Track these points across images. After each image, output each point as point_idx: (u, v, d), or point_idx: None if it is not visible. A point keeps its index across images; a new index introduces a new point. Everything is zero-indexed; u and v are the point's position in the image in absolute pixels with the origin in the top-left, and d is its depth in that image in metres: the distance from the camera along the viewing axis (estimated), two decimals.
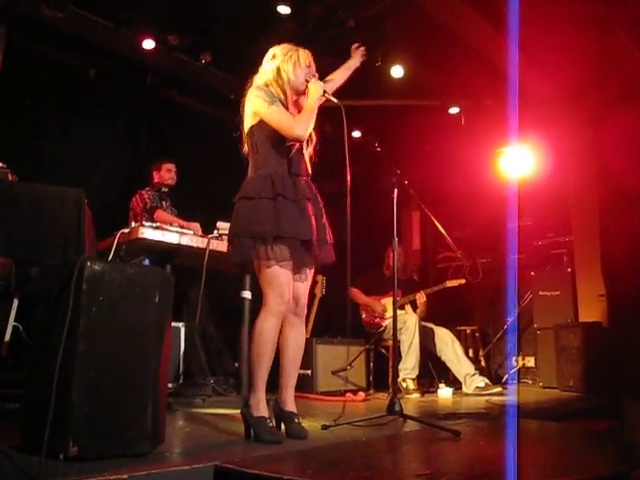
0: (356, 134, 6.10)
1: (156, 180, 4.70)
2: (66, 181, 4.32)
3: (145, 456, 1.85)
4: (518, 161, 6.15)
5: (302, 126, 2.46)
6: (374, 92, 5.69)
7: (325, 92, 2.58)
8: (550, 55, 5.16)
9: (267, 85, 2.57)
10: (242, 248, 2.42)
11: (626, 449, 2.36)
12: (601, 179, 5.60)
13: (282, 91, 2.56)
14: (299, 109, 2.63)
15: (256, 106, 2.50)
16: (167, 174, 4.69)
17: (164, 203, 4.69)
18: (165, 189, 4.70)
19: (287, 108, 2.55)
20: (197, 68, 5.23)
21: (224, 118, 5.70)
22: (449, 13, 4.59)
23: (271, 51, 2.66)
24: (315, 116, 2.54)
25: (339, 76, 2.94)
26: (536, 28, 4.61)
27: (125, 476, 1.59)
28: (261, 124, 2.51)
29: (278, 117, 2.47)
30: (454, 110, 6.15)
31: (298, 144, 2.55)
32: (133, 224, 3.63)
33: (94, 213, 3.03)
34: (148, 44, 4.83)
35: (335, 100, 2.61)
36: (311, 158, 2.68)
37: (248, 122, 2.56)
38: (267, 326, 2.38)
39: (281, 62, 2.59)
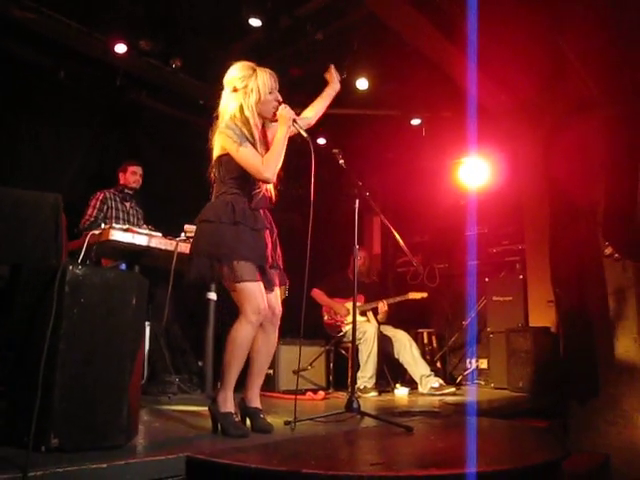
0: (321, 141, 6.27)
1: (121, 182, 4.77)
2: (34, 182, 4.42)
3: (121, 448, 1.98)
4: (475, 171, 6.42)
5: (271, 169, 2.54)
6: (340, 101, 5.86)
7: (295, 121, 2.62)
8: (506, 71, 5.43)
9: (233, 120, 2.59)
10: (199, 268, 2.53)
11: (560, 443, 2.60)
12: (552, 191, 5.89)
13: (248, 129, 2.58)
14: (267, 137, 2.70)
15: (226, 144, 2.57)
16: (132, 177, 4.76)
17: (127, 204, 4.77)
18: (129, 191, 4.77)
19: (255, 143, 2.59)
20: (167, 73, 5.32)
21: (193, 122, 5.86)
22: (412, 31, 4.79)
23: (229, 78, 2.67)
24: (284, 148, 2.60)
25: (320, 105, 2.95)
26: (493, 46, 4.86)
27: (104, 466, 1.74)
28: (229, 157, 2.57)
29: (246, 159, 2.53)
30: (416, 121, 6.40)
31: None
32: (103, 225, 3.74)
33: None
34: (120, 48, 4.89)
35: (304, 134, 2.64)
36: (275, 186, 2.73)
37: (217, 152, 2.63)
38: (243, 333, 2.49)
39: (243, 98, 2.61)
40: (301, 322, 2.83)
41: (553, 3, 4.68)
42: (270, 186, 2.71)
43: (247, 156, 2.54)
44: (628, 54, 4.91)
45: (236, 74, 2.65)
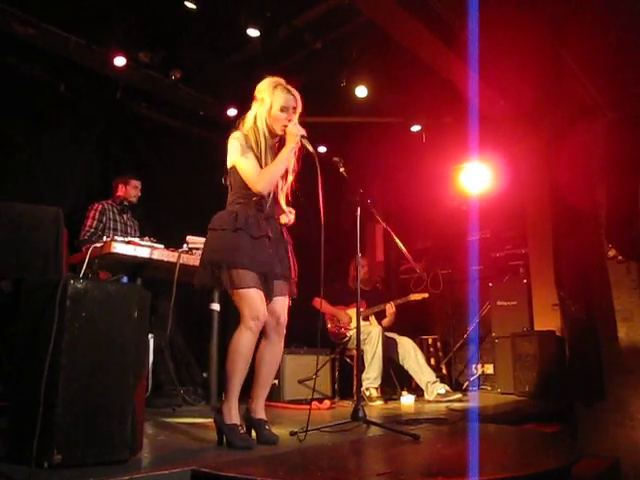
0: (322, 149, 6.27)
1: (119, 193, 4.76)
2: (37, 196, 4.42)
3: (125, 463, 1.96)
4: (477, 177, 6.41)
5: (264, 182, 2.58)
6: (340, 109, 5.90)
7: (303, 137, 2.64)
8: (506, 77, 5.44)
9: (244, 128, 2.70)
10: (202, 276, 2.60)
11: (569, 448, 2.58)
12: (554, 195, 5.88)
13: (256, 141, 2.65)
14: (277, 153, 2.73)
15: (231, 154, 2.66)
16: (133, 191, 4.77)
17: (124, 216, 4.77)
18: (127, 203, 4.78)
19: (261, 156, 2.63)
20: (167, 84, 5.34)
21: (193, 133, 5.87)
22: (412, 38, 4.79)
23: (257, 89, 2.74)
24: (287, 164, 2.65)
25: None
26: (494, 52, 4.87)
27: None
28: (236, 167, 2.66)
29: (245, 170, 2.61)
30: (416, 128, 6.41)
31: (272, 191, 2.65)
32: (105, 238, 3.73)
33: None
34: (119, 61, 4.92)
35: (311, 148, 2.65)
36: (292, 189, 2.77)
37: (229, 162, 2.69)
38: (243, 341, 2.49)
39: (258, 108, 2.70)
40: (317, 332, 2.83)
41: (552, 9, 4.69)
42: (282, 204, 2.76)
43: (245, 167, 2.61)
44: (628, 57, 4.90)
45: (260, 86, 2.74)
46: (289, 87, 2.72)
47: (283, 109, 2.66)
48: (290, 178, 2.77)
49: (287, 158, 2.64)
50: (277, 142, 2.73)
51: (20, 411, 1.95)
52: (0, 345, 3.48)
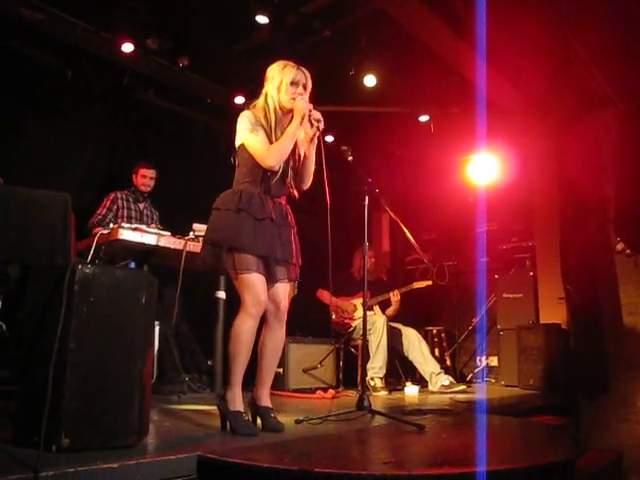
0: (329, 138, 6.23)
1: (134, 182, 4.80)
2: (43, 181, 4.41)
3: (132, 448, 1.97)
4: (485, 168, 6.37)
5: (274, 156, 2.59)
6: (347, 98, 5.86)
7: (310, 112, 2.63)
8: (516, 66, 5.39)
9: (254, 106, 2.71)
10: (205, 256, 2.61)
11: (574, 440, 2.57)
12: (562, 187, 5.84)
13: (266, 117, 2.66)
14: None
15: (240, 131, 2.66)
16: (141, 179, 4.77)
17: (140, 205, 4.78)
18: (140, 193, 4.80)
19: (271, 133, 2.63)
20: (174, 71, 5.33)
21: (201, 120, 5.86)
22: (420, 26, 4.76)
23: (268, 70, 2.75)
24: (294, 139, 2.64)
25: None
26: (502, 41, 4.82)
27: (116, 465, 1.72)
28: (244, 146, 2.65)
29: (253, 146, 2.61)
30: (424, 118, 6.36)
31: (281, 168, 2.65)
32: (111, 225, 3.74)
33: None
34: (127, 47, 4.90)
35: (315, 123, 2.65)
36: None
37: (237, 140, 2.69)
38: (244, 327, 2.49)
39: (268, 86, 2.72)
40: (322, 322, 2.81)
41: None
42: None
43: (254, 143, 2.61)
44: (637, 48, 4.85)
45: (271, 67, 2.76)
46: (299, 66, 2.73)
47: (293, 83, 2.67)
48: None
49: (294, 133, 2.63)
50: (289, 121, 2.69)
51: (28, 395, 1.96)
52: (8, 329, 3.52)
